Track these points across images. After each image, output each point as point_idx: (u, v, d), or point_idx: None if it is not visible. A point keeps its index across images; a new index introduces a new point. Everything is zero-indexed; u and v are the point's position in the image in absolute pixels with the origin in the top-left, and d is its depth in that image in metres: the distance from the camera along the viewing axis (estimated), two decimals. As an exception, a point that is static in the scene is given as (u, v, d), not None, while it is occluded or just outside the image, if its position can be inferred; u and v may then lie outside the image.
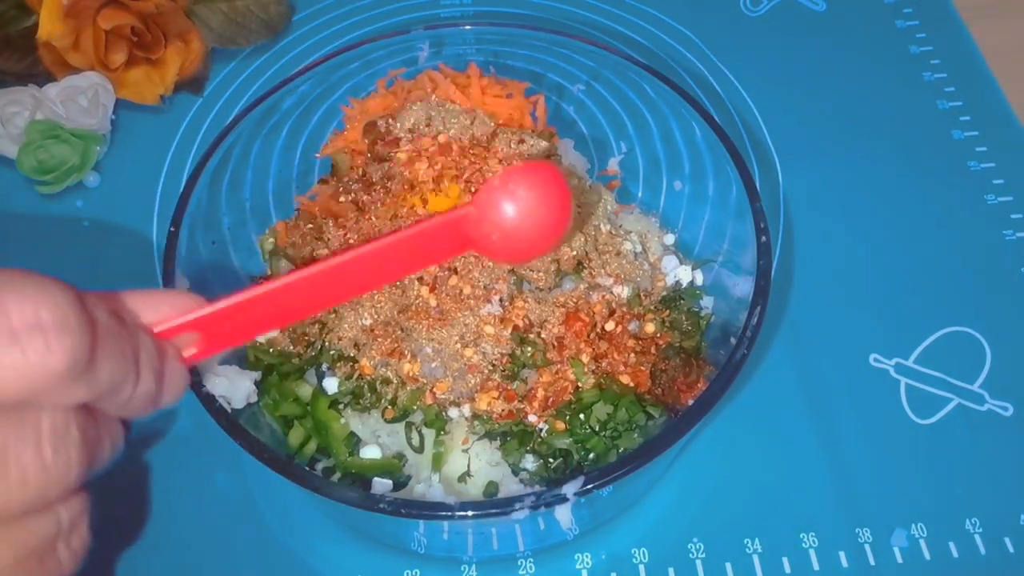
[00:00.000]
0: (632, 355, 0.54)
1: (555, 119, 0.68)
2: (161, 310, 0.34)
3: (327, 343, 0.53)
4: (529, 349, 0.51)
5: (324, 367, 0.53)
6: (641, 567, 0.54)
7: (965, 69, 0.79)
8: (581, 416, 0.51)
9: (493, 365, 0.51)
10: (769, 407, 0.61)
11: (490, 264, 0.52)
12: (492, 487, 0.50)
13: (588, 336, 0.53)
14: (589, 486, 0.43)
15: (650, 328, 0.55)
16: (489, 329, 0.51)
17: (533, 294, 0.53)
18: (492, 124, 0.60)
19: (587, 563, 0.55)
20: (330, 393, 0.52)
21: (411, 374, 0.51)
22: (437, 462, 0.51)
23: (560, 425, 0.51)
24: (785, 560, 0.54)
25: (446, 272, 0.52)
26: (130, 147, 0.75)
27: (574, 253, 0.55)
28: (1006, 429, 0.59)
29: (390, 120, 0.61)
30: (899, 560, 0.54)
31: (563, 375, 0.51)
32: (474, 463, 0.51)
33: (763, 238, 0.52)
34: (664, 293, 0.58)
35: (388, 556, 0.55)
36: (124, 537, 0.56)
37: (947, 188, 0.72)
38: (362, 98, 0.67)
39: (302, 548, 0.55)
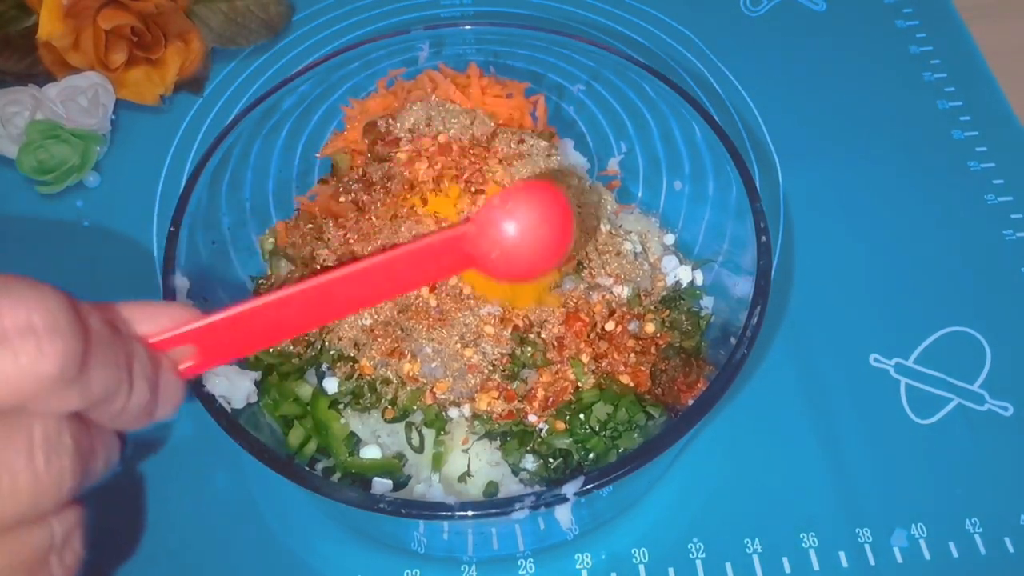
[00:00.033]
0: (632, 355, 0.54)
1: (555, 119, 0.68)
2: (157, 322, 0.33)
3: (327, 343, 0.53)
4: (529, 349, 0.51)
5: (324, 367, 0.53)
6: (641, 567, 0.54)
7: (965, 69, 0.79)
8: (581, 416, 0.51)
9: (493, 365, 0.51)
10: (769, 407, 0.61)
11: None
12: (492, 487, 0.50)
13: (588, 336, 0.53)
14: (589, 486, 0.43)
15: (650, 328, 0.55)
16: (489, 329, 0.51)
17: (533, 294, 0.53)
18: (492, 124, 0.60)
19: (587, 563, 0.55)
20: (330, 393, 0.52)
21: (411, 374, 0.51)
22: (437, 462, 0.51)
23: (560, 425, 0.51)
24: (785, 560, 0.54)
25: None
26: (130, 147, 0.75)
27: (574, 253, 0.55)
28: (1006, 429, 0.59)
29: (390, 120, 0.61)
30: (899, 560, 0.54)
31: (563, 375, 0.51)
32: (474, 463, 0.51)
33: (763, 238, 0.52)
34: (664, 293, 0.58)
35: (388, 556, 0.55)
36: (124, 537, 0.56)
37: (947, 188, 0.72)
38: (362, 98, 0.67)
39: (302, 548, 0.55)
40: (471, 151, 0.57)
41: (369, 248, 0.54)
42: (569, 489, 0.43)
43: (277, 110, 0.61)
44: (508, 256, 0.37)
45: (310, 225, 0.59)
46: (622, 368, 0.53)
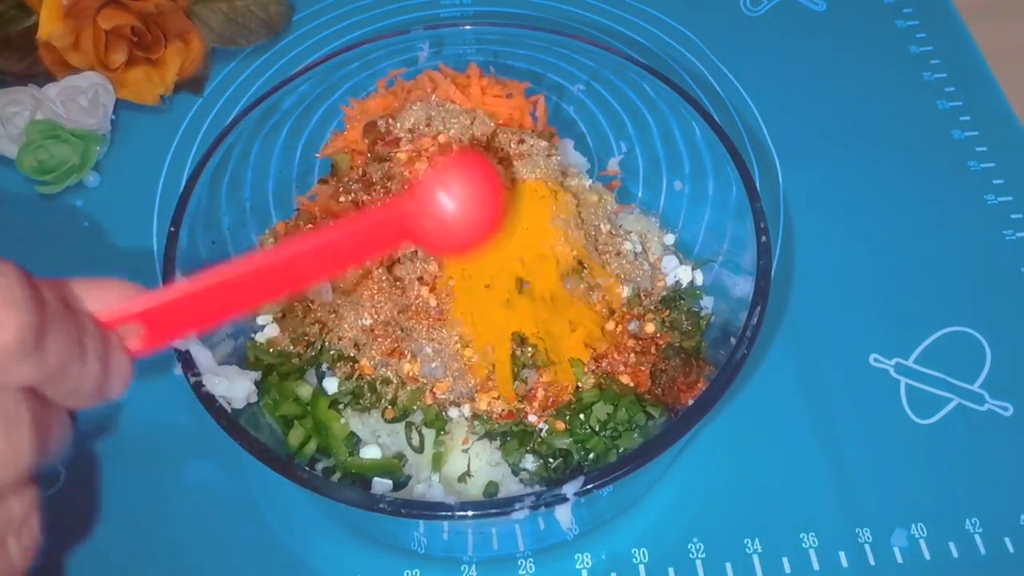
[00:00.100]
0: (632, 355, 0.54)
1: (555, 119, 0.68)
2: (105, 300, 0.33)
3: (327, 343, 0.53)
4: (529, 349, 0.51)
5: (324, 367, 0.53)
6: (641, 567, 0.54)
7: (965, 69, 0.79)
8: (581, 416, 0.51)
9: (493, 365, 0.51)
10: (769, 407, 0.61)
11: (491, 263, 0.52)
12: (492, 487, 0.50)
13: (588, 336, 0.53)
14: (589, 486, 0.43)
15: (650, 328, 0.55)
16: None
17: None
18: (492, 124, 0.60)
19: (587, 563, 0.55)
20: (330, 393, 0.52)
21: (411, 374, 0.51)
22: (437, 462, 0.51)
23: (560, 425, 0.51)
24: (785, 560, 0.54)
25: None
26: (130, 147, 0.75)
27: (574, 253, 0.55)
28: (1006, 429, 0.59)
29: (390, 120, 0.61)
30: (899, 560, 0.54)
31: (563, 375, 0.51)
32: (474, 463, 0.51)
33: (763, 238, 0.52)
34: (664, 293, 0.58)
35: (388, 556, 0.55)
36: (124, 537, 0.56)
37: (947, 188, 0.72)
38: (362, 98, 0.67)
39: (302, 548, 0.55)
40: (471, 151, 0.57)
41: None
42: (569, 489, 0.43)
43: (277, 110, 0.61)
44: (444, 230, 0.38)
45: (310, 225, 0.59)
46: (622, 368, 0.53)
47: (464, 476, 0.51)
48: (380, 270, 0.53)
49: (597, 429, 0.50)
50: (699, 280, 0.59)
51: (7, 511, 0.30)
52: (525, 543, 0.54)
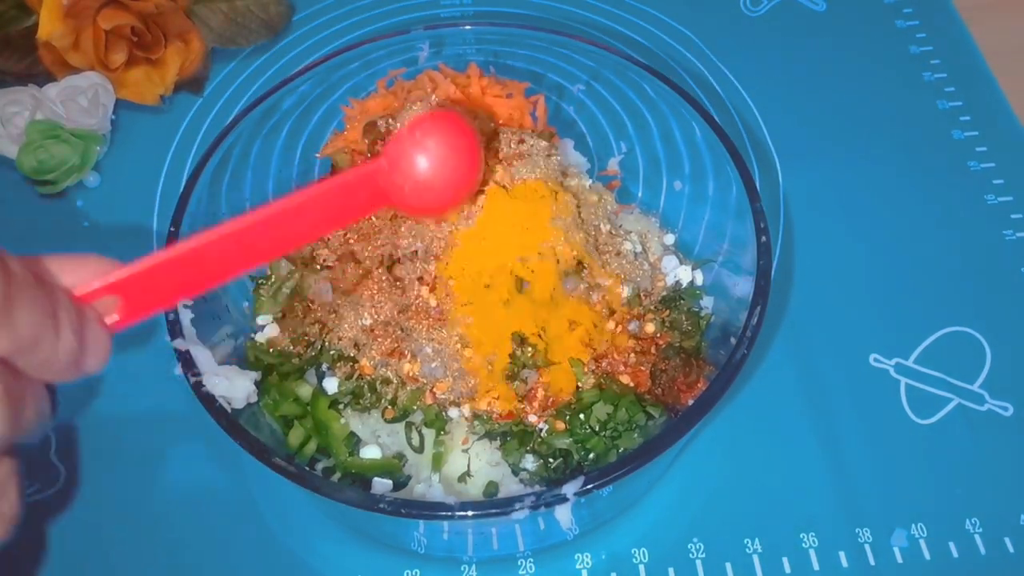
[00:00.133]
0: (632, 355, 0.54)
1: (555, 119, 0.68)
2: (80, 274, 0.33)
3: (327, 343, 0.53)
4: (529, 349, 0.51)
5: (324, 367, 0.53)
6: (641, 567, 0.54)
7: (965, 69, 0.79)
8: (581, 416, 0.51)
9: (493, 364, 0.51)
10: (769, 407, 0.61)
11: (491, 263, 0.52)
12: (492, 487, 0.50)
13: (588, 336, 0.53)
14: (589, 486, 0.43)
15: (650, 328, 0.55)
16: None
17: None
18: (492, 124, 0.60)
19: (587, 563, 0.55)
20: (330, 393, 0.52)
21: (411, 374, 0.51)
22: (437, 462, 0.51)
23: (560, 425, 0.51)
24: (785, 560, 0.54)
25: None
26: (130, 147, 0.75)
27: (574, 253, 0.55)
28: (1006, 429, 0.59)
29: (390, 120, 0.61)
30: (899, 560, 0.54)
31: (563, 375, 0.51)
32: (474, 463, 0.51)
33: (763, 238, 0.52)
34: (664, 293, 0.58)
35: (388, 556, 0.55)
36: (124, 537, 0.56)
37: (947, 188, 0.72)
38: (362, 98, 0.67)
39: (302, 548, 0.55)
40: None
41: (369, 248, 0.54)
42: (569, 489, 0.43)
43: (277, 110, 0.61)
44: (420, 188, 0.38)
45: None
46: (622, 368, 0.53)
47: (464, 476, 0.51)
48: (380, 270, 0.53)
49: (597, 429, 0.50)
50: (699, 280, 0.59)
51: None
52: (525, 543, 0.54)
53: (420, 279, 0.52)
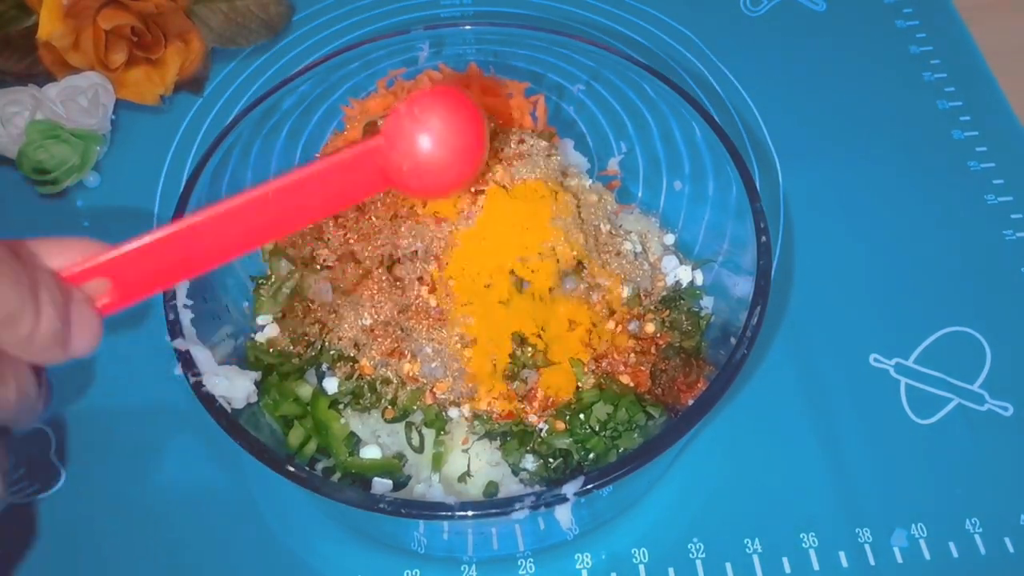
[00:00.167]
0: (632, 355, 0.54)
1: (555, 119, 0.68)
2: (67, 256, 0.33)
3: (327, 343, 0.53)
4: (529, 349, 0.51)
5: (324, 367, 0.53)
6: (641, 567, 0.54)
7: (965, 69, 0.79)
8: (581, 416, 0.51)
9: (493, 364, 0.51)
10: (769, 407, 0.61)
11: (491, 263, 0.52)
12: (492, 487, 0.50)
13: (588, 336, 0.53)
14: (589, 486, 0.43)
15: (650, 328, 0.55)
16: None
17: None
18: (492, 124, 0.60)
19: (587, 563, 0.55)
20: (330, 393, 0.52)
21: (411, 374, 0.51)
22: (437, 462, 0.51)
23: (560, 425, 0.51)
24: (785, 560, 0.54)
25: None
26: (130, 147, 0.75)
27: (574, 253, 0.55)
28: (1006, 429, 0.59)
29: (390, 120, 0.61)
30: (899, 560, 0.54)
31: (563, 375, 0.51)
32: (474, 463, 0.51)
33: (763, 238, 0.52)
34: (664, 293, 0.58)
35: (388, 556, 0.55)
36: (124, 537, 0.56)
37: (947, 188, 0.72)
38: (362, 98, 0.67)
39: (302, 548, 0.55)
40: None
41: (369, 248, 0.54)
42: (569, 489, 0.43)
43: (277, 110, 0.61)
44: (420, 168, 0.35)
45: (310, 225, 0.59)
46: (622, 368, 0.53)
47: (464, 476, 0.51)
48: (380, 270, 0.53)
49: (597, 429, 0.50)
50: (699, 280, 0.59)
51: None
52: (525, 543, 0.54)
53: (420, 279, 0.52)
